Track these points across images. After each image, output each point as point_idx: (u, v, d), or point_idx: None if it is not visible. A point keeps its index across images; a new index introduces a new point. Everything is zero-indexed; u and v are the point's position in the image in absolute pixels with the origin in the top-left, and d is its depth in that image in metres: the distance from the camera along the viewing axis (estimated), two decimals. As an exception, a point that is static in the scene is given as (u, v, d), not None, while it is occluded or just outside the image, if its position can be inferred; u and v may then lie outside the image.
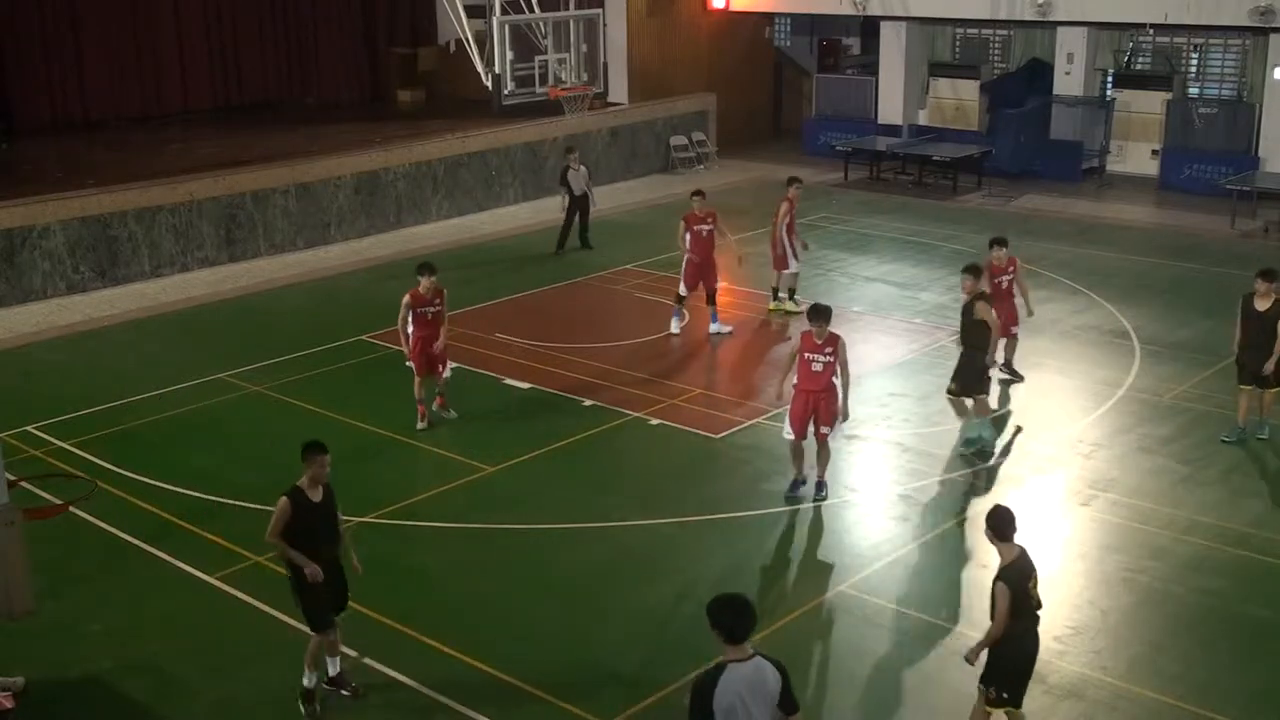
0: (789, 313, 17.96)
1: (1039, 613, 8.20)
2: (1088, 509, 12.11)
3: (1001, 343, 14.40)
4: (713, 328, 17.15)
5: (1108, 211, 24.56)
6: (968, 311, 13.23)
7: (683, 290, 17.08)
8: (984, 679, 8.24)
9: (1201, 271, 19.75)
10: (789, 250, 17.92)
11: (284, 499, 8.84)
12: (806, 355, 11.99)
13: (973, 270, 13.40)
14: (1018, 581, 8.00)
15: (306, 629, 9.26)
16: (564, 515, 12.06)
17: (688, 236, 16.85)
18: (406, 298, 13.78)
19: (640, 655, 9.76)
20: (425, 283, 13.73)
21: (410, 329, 13.81)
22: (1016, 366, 15.27)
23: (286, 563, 8.98)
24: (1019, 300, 14.96)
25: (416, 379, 13.99)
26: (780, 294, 18.32)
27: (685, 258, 16.93)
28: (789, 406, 12.25)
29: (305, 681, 9.18)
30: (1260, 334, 12.94)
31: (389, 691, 9.37)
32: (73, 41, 26.22)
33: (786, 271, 18.16)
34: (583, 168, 21.90)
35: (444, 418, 14.24)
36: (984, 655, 8.14)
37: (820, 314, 11.95)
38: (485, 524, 11.85)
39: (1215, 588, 10.66)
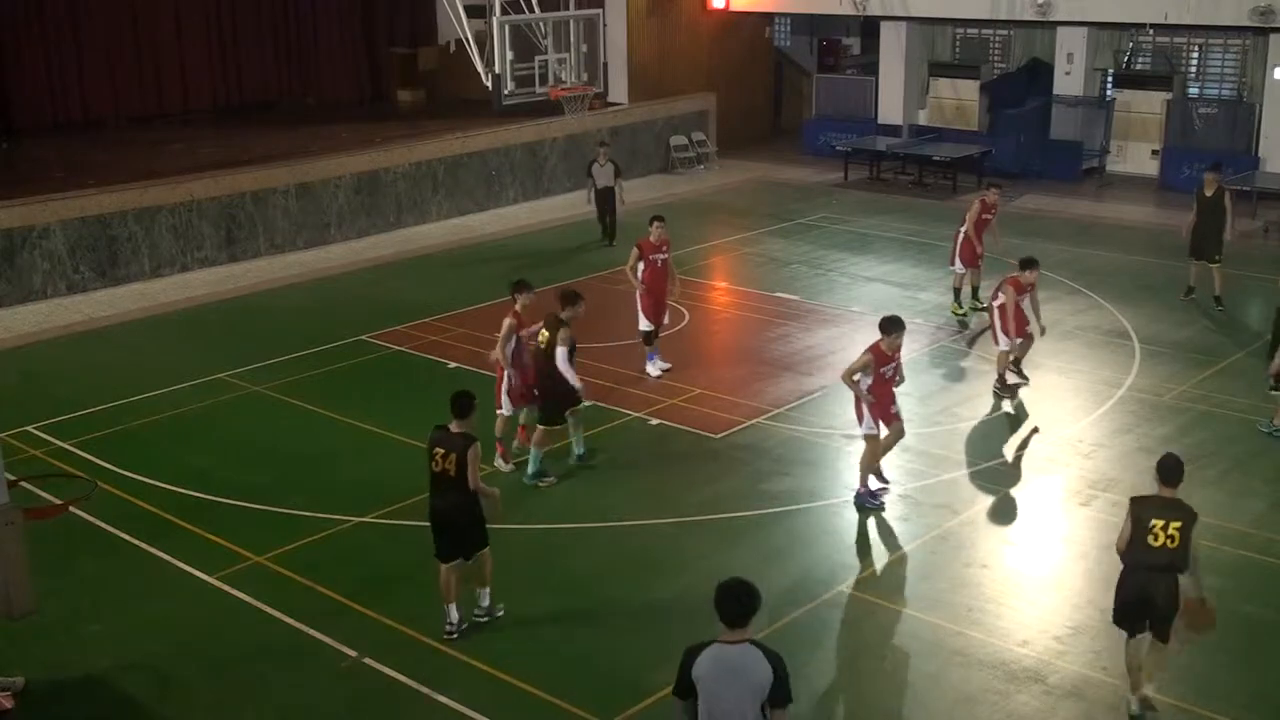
0: (969, 312, 17.72)
1: (1164, 560, 8.59)
2: (1088, 509, 12.12)
3: (1018, 341, 14.72)
4: (649, 365, 15.69)
5: (1108, 211, 24.56)
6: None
7: (646, 325, 15.50)
8: None
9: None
10: (955, 250, 17.62)
11: (477, 444, 9.81)
12: (882, 370, 11.82)
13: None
14: (1138, 512, 8.71)
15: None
16: (564, 515, 12.06)
17: (641, 266, 15.36)
18: (511, 320, 12.60)
19: (640, 655, 9.75)
20: (523, 300, 12.79)
21: (511, 360, 12.66)
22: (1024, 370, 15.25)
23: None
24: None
25: (508, 414, 12.89)
26: (960, 294, 17.91)
27: (638, 290, 15.42)
28: (869, 408, 11.89)
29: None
30: None
31: (389, 691, 9.37)
32: (73, 41, 26.23)
33: (967, 270, 17.75)
34: (610, 163, 22.23)
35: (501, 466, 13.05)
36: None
37: (897, 325, 11.85)
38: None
39: (1215, 588, 10.57)
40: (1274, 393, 14.02)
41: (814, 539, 11.70)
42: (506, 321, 12.65)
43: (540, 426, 12.73)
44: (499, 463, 12.93)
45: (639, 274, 15.39)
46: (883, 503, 12.20)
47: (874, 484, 12.34)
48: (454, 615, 9.96)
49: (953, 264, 17.88)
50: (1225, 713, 8.96)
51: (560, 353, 12.38)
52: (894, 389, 12.12)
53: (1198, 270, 18.44)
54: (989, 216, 17.70)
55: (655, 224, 15.69)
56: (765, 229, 23.48)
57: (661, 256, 15.49)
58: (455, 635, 9.92)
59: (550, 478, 12.76)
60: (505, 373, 12.75)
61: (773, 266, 20.88)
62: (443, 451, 9.75)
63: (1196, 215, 18.36)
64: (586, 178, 22.63)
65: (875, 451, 12.18)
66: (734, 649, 6.50)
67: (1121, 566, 8.81)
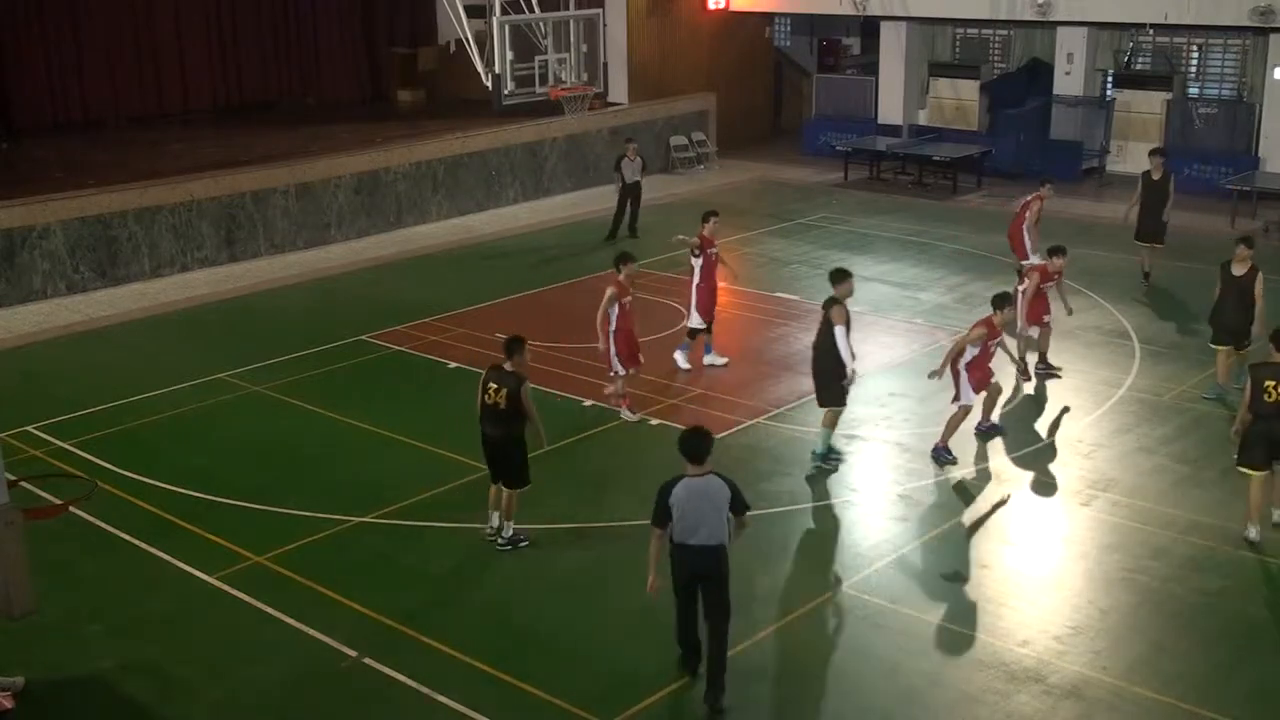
0: None
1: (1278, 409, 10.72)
2: (1088, 509, 12.12)
3: (1035, 332, 15.33)
4: (709, 358, 16.01)
5: (1107, 211, 24.48)
6: None
7: (699, 322, 15.68)
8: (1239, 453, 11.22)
9: (1202, 271, 19.66)
10: (1028, 244, 17.98)
11: (527, 383, 10.91)
12: (991, 344, 12.76)
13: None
14: (1255, 375, 10.94)
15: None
16: (564, 515, 12.06)
17: (699, 262, 15.54)
18: (613, 289, 13.74)
19: (640, 655, 9.75)
20: (627, 270, 13.91)
21: (613, 324, 13.79)
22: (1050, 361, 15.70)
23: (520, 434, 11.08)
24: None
25: (622, 374, 14.10)
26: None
27: (695, 285, 15.55)
28: (970, 383, 12.84)
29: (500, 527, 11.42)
30: (1237, 298, 14.35)
31: (389, 691, 9.38)
32: (73, 41, 26.19)
33: (1025, 263, 17.83)
34: (639, 159, 22.76)
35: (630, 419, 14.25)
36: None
37: (1010, 299, 13.05)
38: (485, 524, 11.84)
39: (1215, 588, 10.67)
40: (1214, 346, 14.65)
41: (814, 539, 11.70)
42: (609, 290, 13.72)
43: (827, 409, 13.11)
44: (625, 414, 14.21)
45: (698, 271, 15.59)
46: (955, 458, 12.98)
47: (945, 446, 13.12)
48: (496, 520, 11.40)
49: (1028, 257, 17.90)
50: (1225, 713, 8.96)
51: (838, 331, 12.76)
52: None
53: (1148, 254, 19.38)
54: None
55: (711, 219, 15.98)
56: (765, 229, 23.48)
57: (715, 250, 15.86)
58: (495, 538, 11.33)
59: (837, 457, 13.17)
60: (610, 336, 13.81)
61: (773, 266, 20.88)
62: (495, 387, 10.94)
63: (1142, 198, 19.11)
64: (614, 172, 22.97)
65: (963, 418, 13.05)
66: (700, 479, 8.70)
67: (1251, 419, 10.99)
